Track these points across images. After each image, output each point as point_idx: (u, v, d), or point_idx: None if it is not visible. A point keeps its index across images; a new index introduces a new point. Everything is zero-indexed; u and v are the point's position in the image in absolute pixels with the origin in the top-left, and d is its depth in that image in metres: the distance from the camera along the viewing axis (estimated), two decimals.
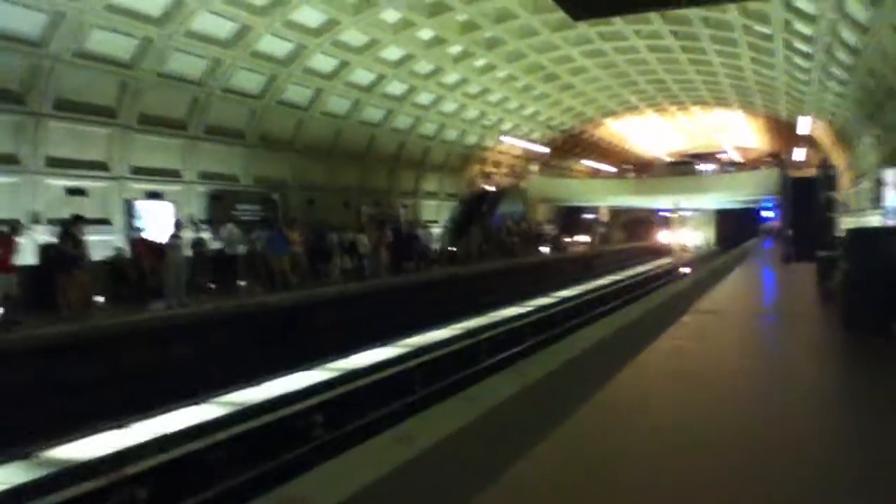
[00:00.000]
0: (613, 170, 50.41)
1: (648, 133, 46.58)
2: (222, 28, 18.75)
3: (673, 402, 5.56)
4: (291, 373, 11.07)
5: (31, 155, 16.45)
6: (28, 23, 15.21)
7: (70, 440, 7.56)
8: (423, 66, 25.79)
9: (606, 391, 5.94)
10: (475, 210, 35.95)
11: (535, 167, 42.66)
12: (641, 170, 51.46)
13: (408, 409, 9.38)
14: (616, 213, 55.16)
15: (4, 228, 12.93)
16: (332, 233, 22.22)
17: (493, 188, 38.50)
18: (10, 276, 12.52)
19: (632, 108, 39.18)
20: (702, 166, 48.10)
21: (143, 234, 17.26)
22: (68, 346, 11.44)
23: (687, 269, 31.95)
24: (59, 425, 8.21)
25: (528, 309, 20.23)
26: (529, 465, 4.24)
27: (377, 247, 22.90)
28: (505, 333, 15.74)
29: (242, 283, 18.19)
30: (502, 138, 36.42)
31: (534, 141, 38.49)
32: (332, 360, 12.21)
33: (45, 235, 15.76)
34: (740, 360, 7.68)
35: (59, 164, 17.04)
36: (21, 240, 13.32)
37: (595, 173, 49.18)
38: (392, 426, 5.04)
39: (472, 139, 34.96)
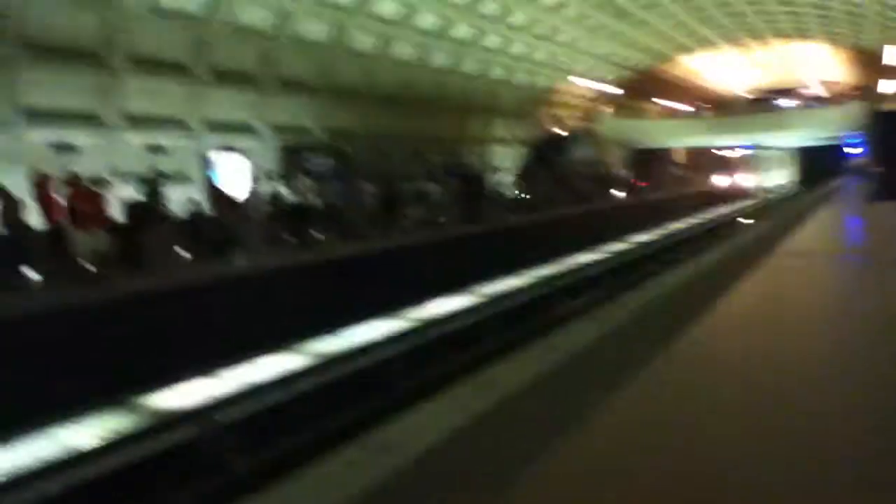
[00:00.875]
0: (690, 109, 48.72)
1: (726, 69, 44.75)
2: None
3: (759, 349, 5.36)
4: (370, 321, 11.21)
5: (111, 113, 16.92)
6: None
7: (165, 387, 7.86)
8: (491, 8, 25.23)
9: (688, 337, 5.77)
10: (545, 155, 35.36)
11: (607, 109, 41.58)
12: (719, 108, 49.54)
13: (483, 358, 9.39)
14: (693, 153, 53.44)
15: (91, 186, 13.37)
16: (402, 182, 22.23)
17: (563, 132, 37.79)
18: (101, 232, 12.98)
19: (708, 44, 37.62)
20: (783, 102, 45.89)
21: (221, 189, 17.61)
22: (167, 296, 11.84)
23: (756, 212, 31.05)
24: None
25: (605, 255, 19.92)
26: (608, 414, 4.15)
27: (446, 196, 22.84)
28: (581, 280, 15.58)
29: (317, 234, 18.43)
30: (573, 80, 35.55)
31: (606, 82, 37.46)
32: (409, 310, 12.30)
33: (127, 192, 16.27)
34: (832, 304, 7.36)
35: (138, 122, 17.50)
36: (107, 195, 13.78)
37: (670, 113, 47.64)
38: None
39: (542, 82, 34.26)
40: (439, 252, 18.70)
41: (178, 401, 7.58)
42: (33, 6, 14.75)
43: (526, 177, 32.69)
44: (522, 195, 30.59)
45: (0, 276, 11.78)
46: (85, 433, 6.75)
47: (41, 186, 13.04)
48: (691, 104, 48.86)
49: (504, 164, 33.14)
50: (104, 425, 6.89)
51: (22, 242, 12.41)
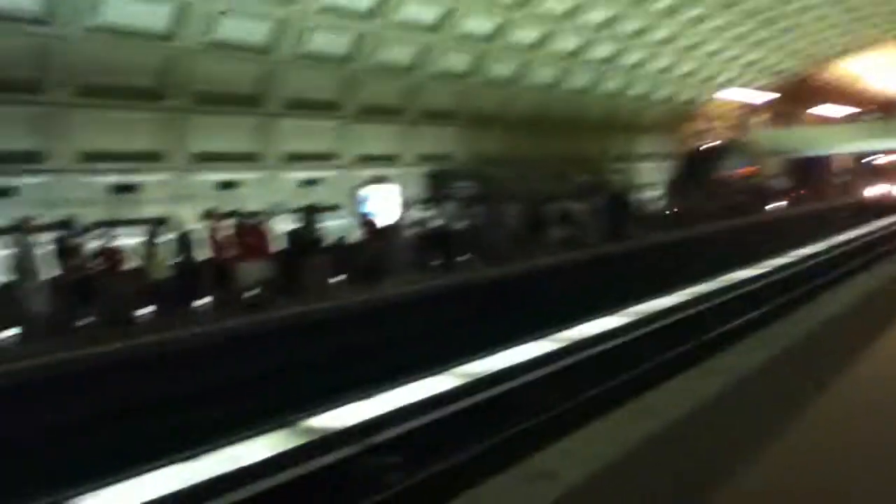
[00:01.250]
0: (851, 111, 45.54)
1: (888, 70, 41.52)
2: (428, 13, 19.33)
3: None
4: (519, 344, 11.19)
5: (270, 152, 18.08)
6: (257, 33, 16.65)
7: (325, 410, 8.22)
8: (632, 26, 24.85)
9: (866, 363, 5.34)
10: (695, 168, 34.13)
11: (758, 118, 39.63)
12: (885, 110, 45.90)
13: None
14: (857, 160, 49.70)
15: (254, 221, 14.31)
16: (545, 203, 22.18)
17: (712, 144, 36.37)
18: (265, 262, 13.83)
19: (868, 44, 35.13)
20: None
21: (370, 217, 18.29)
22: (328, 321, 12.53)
23: None
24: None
25: (763, 271, 18.87)
26: (782, 446, 3.91)
27: (590, 215, 22.56)
28: (736, 299, 14.85)
29: (462, 258, 18.71)
30: (720, 91, 34.23)
31: (755, 89, 35.78)
32: (558, 331, 12.17)
33: (286, 223, 17.24)
34: None
35: (293, 158, 18.58)
36: (269, 228, 14.70)
37: (828, 119, 44.74)
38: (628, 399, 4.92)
39: (686, 95, 33.24)
40: (585, 272, 18.48)
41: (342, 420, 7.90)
42: (199, 62, 16.07)
43: (675, 191, 31.68)
44: (670, 211, 29.66)
45: (171, 308, 12.86)
46: None
47: (210, 222, 14.08)
48: (853, 107, 45.66)
49: (649, 181, 32.29)
50: None
51: (193, 275, 13.47)
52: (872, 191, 42.13)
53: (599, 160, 29.72)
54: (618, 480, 3.56)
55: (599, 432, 4.23)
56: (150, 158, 15.94)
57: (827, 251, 22.74)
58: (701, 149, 35.60)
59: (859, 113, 45.65)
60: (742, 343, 5.69)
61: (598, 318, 13.14)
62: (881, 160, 45.27)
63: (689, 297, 15.15)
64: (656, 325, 12.52)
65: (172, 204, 15.97)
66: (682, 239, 23.52)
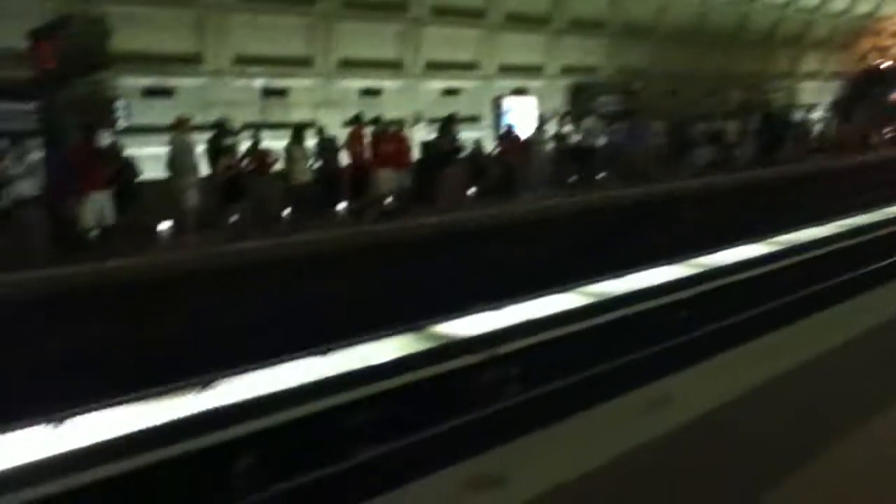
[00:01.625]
0: None
1: None
2: None
3: None
4: (655, 266, 10.88)
5: (413, 60, 18.07)
6: None
7: (454, 317, 8.42)
8: None
9: None
10: (864, 91, 31.15)
11: None
12: None
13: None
14: None
15: (394, 129, 14.46)
16: (696, 122, 21.05)
17: (886, 65, 32.94)
18: (404, 171, 14.04)
19: None
20: None
21: (509, 129, 18.05)
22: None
23: None
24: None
25: None
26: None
27: (742, 135, 21.28)
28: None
29: (601, 175, 18.22)
30: None
31: None
32: (696, 257, 11.73)
33: (424, 133, 17.36)
34: None
35: (435, 67, 18.51)
36: (409, 137, 14.85)
37: None
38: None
39: (864, 7, 30.05)
40: (730, 198, 17.56)
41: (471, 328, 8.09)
42: None
43: (840, 115, 29.17)
44: (833, 135, 27.40)
45: (318, 209, 13.39)
46: None
47: (353, 129, 14.37)
48: None
49: (814, 102, 29.85)
50: None
51: (334, 181, 13.91)
52: None
53: (760, 77, 27.71)
54: None
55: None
56: (298, 63, 16.37)
57: None
58: (872, 68, 32.33)
59: None
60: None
61: (737, 246, 12.50)
62: None
63: (839, 230, 14.10)
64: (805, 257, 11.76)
65: (318, 109, 16.43)
66: (840, 168, 21.77)
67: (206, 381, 6.67)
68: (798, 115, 26.91)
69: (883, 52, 33.09)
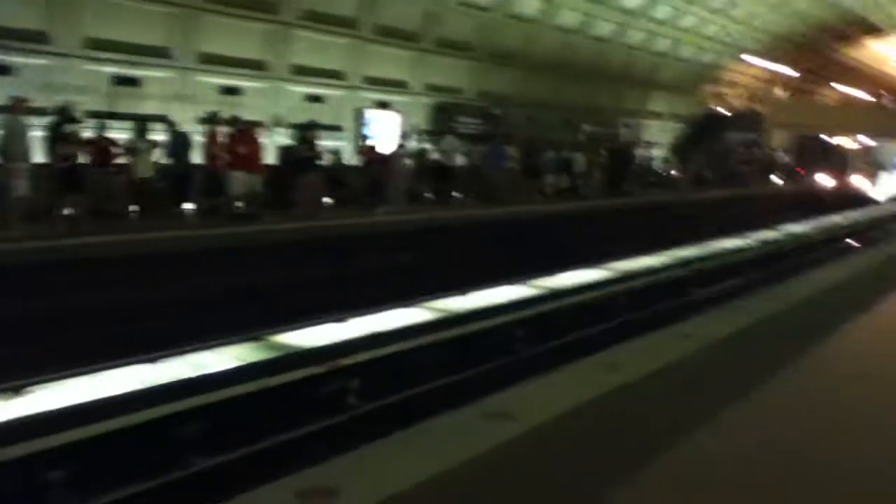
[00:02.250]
0: (870, 98, 44.93)
1: None
2: None
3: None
4: (498, 286, 11.18)
5: (278, 62, 17.69)
6: None
7: (295, 328, 8.23)
8: None
9: (831, 346, 5.36)
10: (702, 133, 33.76)
11: (780, 91, 38.96)
12: None
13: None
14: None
15: (252, 131, 14.05)
16: (549, 151, 21.94)
17: (724, 111, 35.89)
18: (256, 175, 13.65)
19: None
20: None
21: (370, 142, 18.06)
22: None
23: None
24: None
25: (749, 242, 18.81)
26: (743, 412, 3.93)
27: (591, 167, 22.40)
28: (720, 266, 14.85)
29: (458, 194, 18.59)
30: (743, 57, 33.60)
31: (781, 62, 35.12)
32: (537, 278, 12.16)
33: (284, 137, 17.03)
34: None
35: (301, 72, 18.21)
36: (264, 140, 14.46)
37: (847, 100, 44.13)
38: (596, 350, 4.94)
39: (708, 57, 32.60)
40: (573, 224, 18.44)
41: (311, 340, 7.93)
42: None
43: (678, 154, 31.42)
44: (670, 172, 29.45)
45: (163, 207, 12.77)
46: None
47: (209, 127, 13.85)
48: (872, 93, 45.01)
49: (658, 140, 31.95)
50: None
51: (183, 179, 13.34)
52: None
53: (612, 113, 29.34)
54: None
55: (563, 379, 4.25)
56: (155, 53, 15.59)
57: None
58: (711, 114, 35.15)
59: (879, 98, 45.02)
60: (715, 312, 5.70)
61: (578, 269, 13.07)
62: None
63: (670, 261, 15.11)
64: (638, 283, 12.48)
65: (171, 103, 15.73)
66: (674, 202, 23.38)
67: (18, 387, 6.15)
68: (642, 152, 28.70)
69: (720, 98, 36.02)
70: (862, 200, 30.05)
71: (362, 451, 3.19)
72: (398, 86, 20.87)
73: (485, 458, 3.09)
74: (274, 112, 17.50)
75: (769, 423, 3.80)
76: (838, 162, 35.99)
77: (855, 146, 39.98)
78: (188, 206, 13.26)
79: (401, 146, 16.29)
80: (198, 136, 13.72)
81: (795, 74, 36.82)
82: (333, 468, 2.99)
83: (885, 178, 37.01)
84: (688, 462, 3.27)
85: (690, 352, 4.83)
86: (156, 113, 14.87)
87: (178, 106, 15.67)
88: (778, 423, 3.83)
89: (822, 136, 36.74)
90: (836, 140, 37.90)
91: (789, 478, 3.14)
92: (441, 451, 3.13)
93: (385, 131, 18.83)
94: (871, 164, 38.31)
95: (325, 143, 16.59)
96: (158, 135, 13.52)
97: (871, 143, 38.62)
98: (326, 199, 15.62)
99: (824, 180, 33.26)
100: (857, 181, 34.06)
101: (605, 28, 25.77)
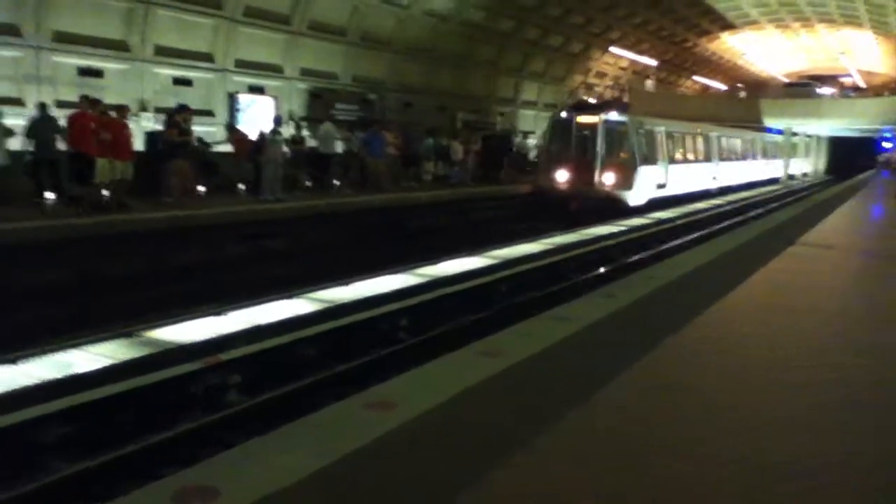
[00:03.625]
0: (724, 87, 47.93)
1: (766, 51, 43.81)
2: None
3: (767, 340, 5.31)
4: (379, 275, 11.19)
5: (140, 43, 16.82)
6: None
7: (170, 323, 7.92)
8: None
9: (698, 322, 5.73)
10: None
11: (649, 82, 40.84)
12: (754, 89, 48.66)
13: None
14: None
15: (114, 113, 13.32)
16: (427, 138, 22.06)
17: (593, 100, 37.26)
18: (123, 162, 12.98)
19: (751, 23, 36.80)
20: (821, 89, 44.84)
21: (242, 128, 17.54)
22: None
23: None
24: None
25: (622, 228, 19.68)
26: (615, 390, 4.14)
27: (466, 154, 22.72)
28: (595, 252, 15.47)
29: (336, 182, 18.41)
30: (610, 48, 34.96)
31: (642, 52, 36.80)
32: (418, 266, 12.25)
33: (151, 123, 16.26)
34: (845, 300, 7.27)
35: (165, 53, 17.40)
36: (130, 125, 13.76)
37: (704, 90, 46.86)
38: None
39: (577, 47, 33.68)
40: (448, 210, 18.71)
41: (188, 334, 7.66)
42: None
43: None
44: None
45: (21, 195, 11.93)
46: None
47: (74, 112, 13.00)
48: (727, 83, 48.05)
49: (531, 128, 32.78)
50: None
51: (52, 163, 12.51)
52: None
53: (486, 100, 29.81)
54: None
55: (442, 367, 4.31)
56: (3, 31, 14.47)
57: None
58: (578, 103, 36.38)
59: (732, 89, 48.09)
60: (589, 296, 5.94)
61: (458, 257, 13.25)
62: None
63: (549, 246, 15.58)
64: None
65: (25, 84, 14.70)
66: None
67: None
68: (517, 140, 29.38)
69: (590, 88, 37.34)
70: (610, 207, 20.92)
71: (243, 448, 3.13)
72: (272, 70, 20.34)
73: (367, 450, 3.10)
74: (140, 95, 16.68)
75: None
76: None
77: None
78: (50, 195, 12.41)
79: (274, 132, 15.91)
80: (63, 121, 12.83)
81: (654, 62, 38.65)
82: (212, 466, 2.92)
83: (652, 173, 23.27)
84: (565, 438, 3.41)
85: (568, 334, 5.02)
86: (7, 95, 13.87)
87: (35, 88, 14.67)
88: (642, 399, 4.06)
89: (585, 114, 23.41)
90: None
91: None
92: (324, 444, 3.11)
93: (259, 117, 18.33)
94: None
95: (197, 128, 15.99)
96: (13, 119, 12.60)
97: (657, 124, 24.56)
98: (200, 187, 15.09)
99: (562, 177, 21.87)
100: (610, 179, 21.46)
101: (475, 15, 26.08)
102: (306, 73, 21.36)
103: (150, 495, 2.74)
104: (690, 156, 27.67)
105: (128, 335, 7.50)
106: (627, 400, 4.01)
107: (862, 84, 47.64)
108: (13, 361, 6.53)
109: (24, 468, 5.22)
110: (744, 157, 34.89)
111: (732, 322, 5.93)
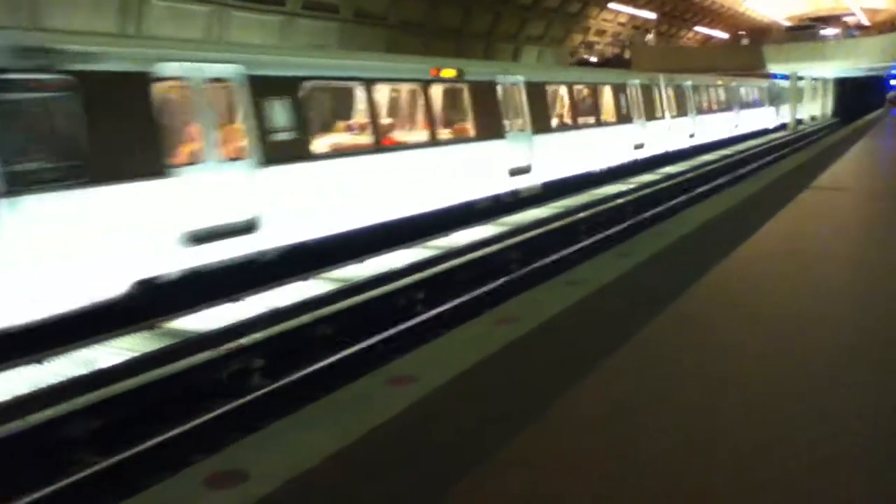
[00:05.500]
0: (726, 36, 47.31)
1: None
2: None
3: (785, 288, 5.31)
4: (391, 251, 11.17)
5: (135, 34, 16.76)
6: None
7: (190, 312, 7.99)
8: None
9: (713, 274, 5.74)
10: None
11: (650, 37, 40.36)
12: (757, 36, 48.01)
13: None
14: None
15: None
16: None
17: (595, 59, 36.91)
18: None
19: None
20: (824, 31, 44.15)
21: None
22: None
23: None
24: None
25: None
26: (634, 350, 4.17)
27: None
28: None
29: None
30: (609, 5, 34.54)
31: (641, 7, 36.33)
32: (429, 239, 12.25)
33: None
34: (861, 245, 7.23)
35: None
36: None
37: (706, 40, 46.26)
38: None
39: (574, 7, 33.29)
40: None
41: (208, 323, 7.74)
42: None
43: None
44: None
45: None
46: None
47: None
48: (728, 31, 47.40)
49: None
50: None
51: None
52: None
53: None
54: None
55: (460, 338, 4.35)
56: None
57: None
58: (582, 63, 36.04)
59: (734, 37, 47.47)
60: (600, 257, 5.96)
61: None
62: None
63: None
64: None
65: None
66: None
67: None
68: None
69: (590, 47, 36.99)
70: None
71: (269, 430, 3.18)
72: None
73: (390, 426, 3.14)
74: None
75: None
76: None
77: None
78: None
79: None
80: None
81: (653, 16, 38.16)
82: (241, 450, 2.97)
83: None
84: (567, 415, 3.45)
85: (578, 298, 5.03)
86: None
87: None
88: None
89: None
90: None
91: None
92: (347, 422, 3.15)
93: None
94: None
95: None
96: None
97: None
98: None
99: None
100: None
101: None
102: None
103: (183, 482, 2.79)
104: (715, 106, 28.31)
105: (149, 328, 7.58)
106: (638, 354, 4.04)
107: (866, 22, 46.90)
108: (39, 361, 6.63)
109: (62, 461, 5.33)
110: (755, 105, 34.83)
111: None
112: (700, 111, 26.65)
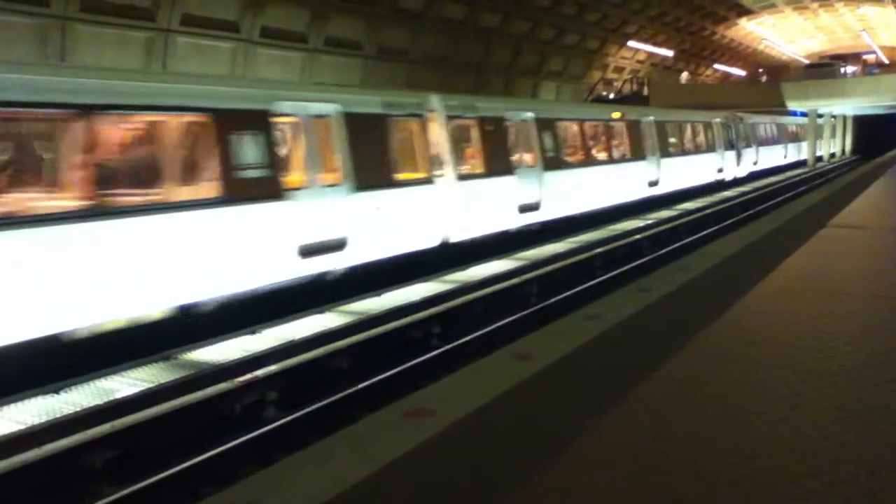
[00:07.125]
0: (744, 74, 47.45)
1: (786, 34, 43.30)
2: None
3: (808, 330, 5.23)
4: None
5: (161, 70, 17.10)
6: None
7: (206, 344, 8.01)
8: None
9: (732, 313, 5.68)
10: None
11: (664, 73, 40.59)
12: (775, 73, 48.09)
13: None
14: None
15: None
16: None
17: (611, 95, 37.10)
18: None
19: (768, 6, 36.40)
20: (844, 68, 44.09)
21: None
22: None
23: None
24: None
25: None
26: (653, 387, 4.12)
27: None
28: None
29: None
30: (628, 43, 34.83)
31: (659, 44, 36.59)
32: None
33: None
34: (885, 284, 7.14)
35: None
36: None
37: (725, 78, 46.39)
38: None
39: (593, 44, 33.59)
40: None
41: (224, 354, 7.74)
42: None
43: None
44: None
45: None
46: None
47: None
48: (747, 69, 47.56)
49: None
50: None
51: None
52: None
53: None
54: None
55: (476, 373, 4.32)
56: None
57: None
58: (596, 101, 36.23)
59: (752, 75, 47.57)
60: (620, 291, 5.92)
61: None
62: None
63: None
64: None
65: None
66: None
67: None
68: None
69: (608, 84, 37.21)
70: None
71: (285, 463, 3.16)
72: None
73: (406, 459, 3.11)
74: None
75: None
76: None
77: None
78: None
79: None
80: None
81: (669, 54, 38.33)
82: (256, 482, 2.96)
83: None
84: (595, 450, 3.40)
85: (598, 332, 4.99)
86: None
87: None
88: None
89: None
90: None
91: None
92: (364, 455, 3.13)
93: None
94: None
95: None
96: None
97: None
98: None
99: None
100: None
101: (488, 20, 26.11)
102: None
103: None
104: (742, 143, 29.22)
105: (165, 359, 7.60)
106: (656, 393, 3.99)
107: (885, 60, 46.87)
108: (56, 392, 6.65)
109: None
110: (776, 142, 34.98)
111: None
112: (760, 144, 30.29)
